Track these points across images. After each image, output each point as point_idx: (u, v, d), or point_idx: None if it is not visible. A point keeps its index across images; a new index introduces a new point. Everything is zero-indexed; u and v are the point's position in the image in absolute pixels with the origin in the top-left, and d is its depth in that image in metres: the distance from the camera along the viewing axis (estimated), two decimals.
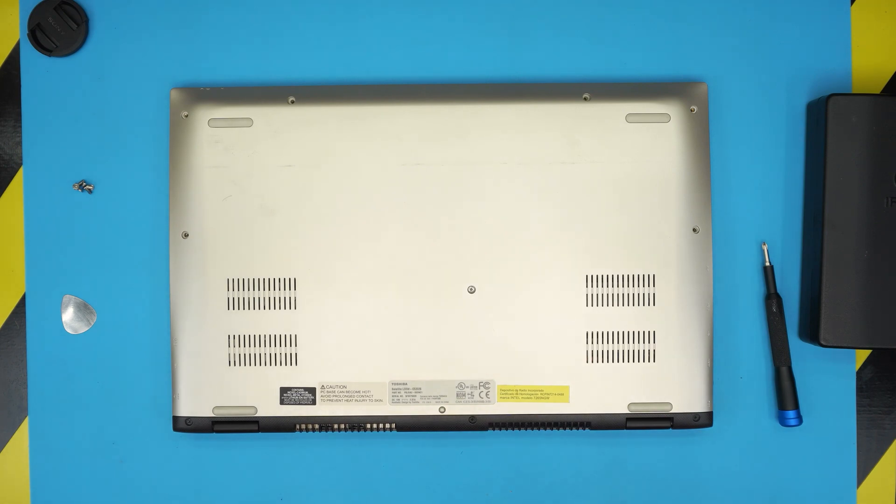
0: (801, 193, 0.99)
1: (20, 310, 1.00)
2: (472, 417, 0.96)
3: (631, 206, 0.96)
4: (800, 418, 0.97)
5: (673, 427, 0.96)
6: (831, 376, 0.99)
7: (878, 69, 1.00)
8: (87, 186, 0.99)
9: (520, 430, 0.96)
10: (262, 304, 0.96)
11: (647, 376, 0.96)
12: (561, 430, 0.97)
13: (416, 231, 0.96)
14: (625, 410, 0.96)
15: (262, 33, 0.99)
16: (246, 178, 0.96)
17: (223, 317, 0.96)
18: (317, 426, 0.96)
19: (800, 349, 0.99)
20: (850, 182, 0.94)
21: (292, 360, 0.96)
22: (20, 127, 1.00)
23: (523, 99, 0.96)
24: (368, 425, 0.96)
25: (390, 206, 0.96)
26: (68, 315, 0.99)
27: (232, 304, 0.96)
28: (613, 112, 0.96)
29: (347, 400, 0.96)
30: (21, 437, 1.00)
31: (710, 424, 0.96)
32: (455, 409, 0.96)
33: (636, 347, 0.96)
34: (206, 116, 0.96)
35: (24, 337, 1.00)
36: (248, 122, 0.96)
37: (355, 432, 0.97)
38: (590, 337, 0.96)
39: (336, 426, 0.96)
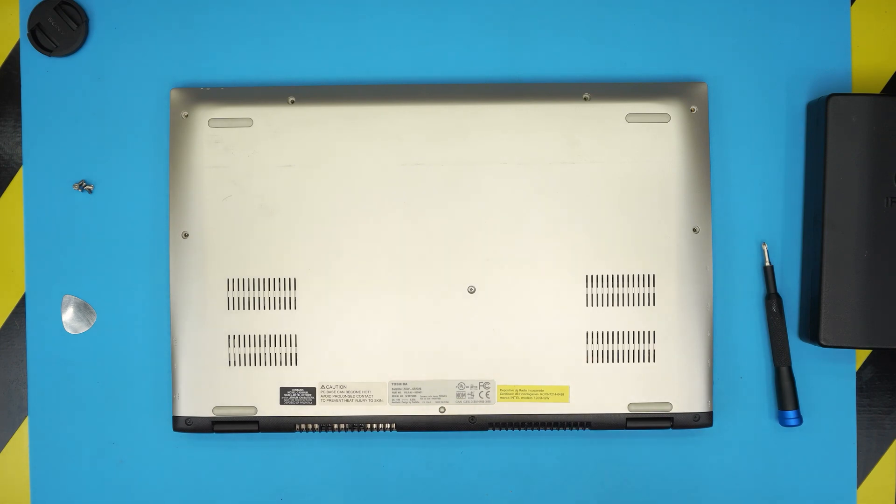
0: (801, 193, 0.99)
1: (20, 310, 1.00)
2: (472, 417, 0.96)
3: (631, 206, 0.96)
4: (800, 418, 0.97)
5: (673, 427, 0.96)
6: (831, 376, 0.99)
7: (878, 69, 1.00)
8: (87, 186, 0.99)
9: (520, 430, 0.96)
10: (262, 304, 0.96)
11: (647, 376, 0.96)
12: (561, 430, 0.97)
13: (416, 231, 0.96)
14: (625, 410, 0.96)
15: (262, 33, 0.99)
16: (246, 178, 0.96)
17: (223, 317, 0.96)
18: (317, 426, 0.96)
19: (800, 349, 0.99)
20: (850, 182, 0.94)
21: (292, 360, 0.96)
22: (20, 127, 1.00)
23: (523, 99, 0.96)
24: (368, 425, 0.96)
25: (390, 206, 0.96)
26: (68, 315, 0.99)
27: (232, 303, 0.96)
28: (613, 112, 0.96)
29: (347, 400, 0.96)
30: (21, 437, 1.00)
31: (710, 424, 0.96)
32: (455, 409, 0.96)
33: (636, 347, 0.96)
34: (206, 116, 0.96)
35: (24, 337, 1.00)
36: (248, 122, 0.96)
37: (355, 432, 0.97)
38: (590, 337, 0.96)
39: (336, 426, 0.96)
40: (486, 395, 0.96)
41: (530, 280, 0.96)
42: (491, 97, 0.96)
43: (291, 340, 0.96)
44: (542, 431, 0.98)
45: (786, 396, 0.97)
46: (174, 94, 0.97)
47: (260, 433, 0.97)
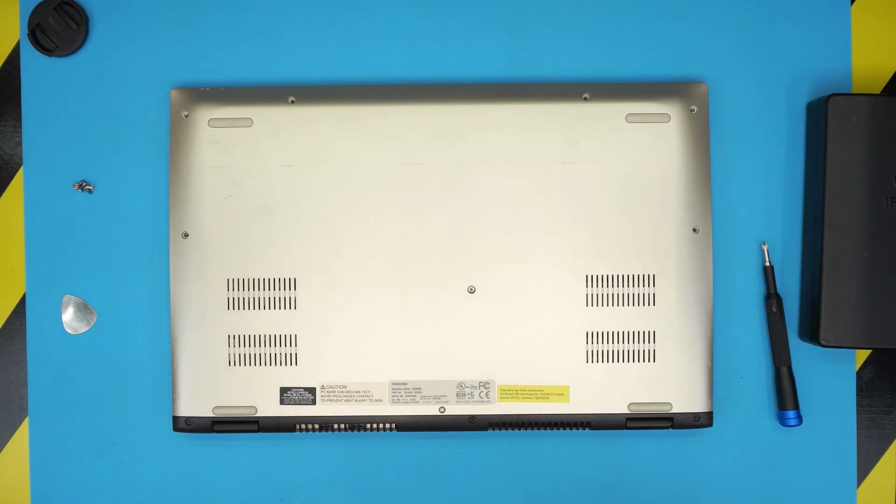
0: (801, 193, 0.99)
1: (20, 310, 1.00)
2: (472, 417, 0.96)
3: (631, 206, 0.96)
4: (800, 418, 0.97)
5: (673, 427, 0.96)
6: (831, 376, 0.99)
7: (878, 69, 1.00)
8: (87, 186, 0.99)
9: (520, 430, 0.96)
10: (262, 304, 0.96)
11: (647, 376, 0.96)
12: (561, 430, 0.97)
13: (416, 231, 0.96)
14: (625, 410, 0.96)
15: (262, 33, 0.99)
16: (246, 178, 0.96)
17: (223, 317, 0.96)
18: (317, 426, 0.96)
19: (800, 349, 0.99)
20: (850, 182, 0.94)
21: (292, 360, 0.96)
22: (20, 127, 1.00)
23: (523, 99, 0.96)
24: (368, 425, 0.96)
25: (390, 205, 0.96)
26: (68, 315, 0.99)
27: (232, 303, 0.96)
28: (613, 112, 0.96)
29: (347, 400, 0.96)
30: (21, 437, 1.00)
31: (710, 424, 0.96)
32: (455, 409, 0.96)
33: (636, 347, 0.96)
34: (206, 116, 0.96)
35: (24, 337, 1.00)
36: (248, 122, 0.96)
37: (355, 432, 0.97)
38: (590, 337, 0.96)
39: (336, 426, 0.96)
40: (486, 395, 0.96)
41: (530, 280, 0.96)
42: (491, 97, 0.96)
43: (291, 340, 0.96)
44: (542, 431, 0.98)
45: (786, 396, 0.97)
46: (174, 94, 0.97)
47: (260, 433, 0.97)
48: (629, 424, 0.96)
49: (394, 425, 0.96)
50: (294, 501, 0.99)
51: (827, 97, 0.94)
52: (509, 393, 0.96)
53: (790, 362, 0.98)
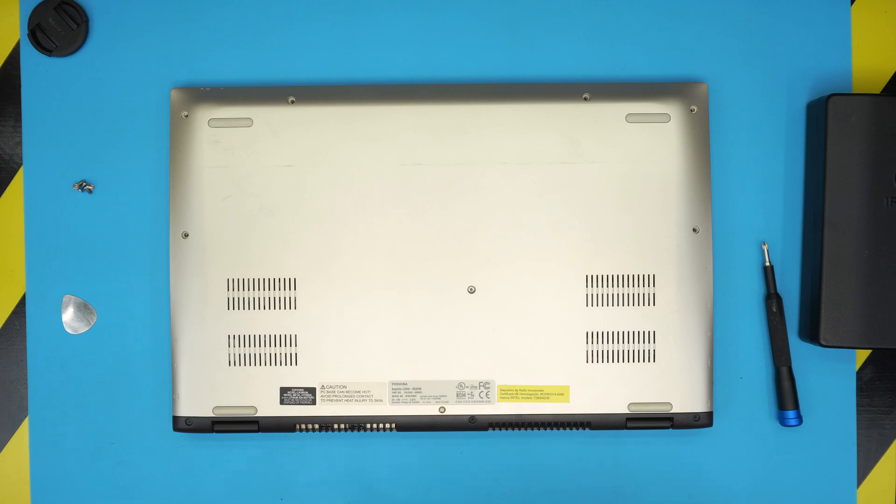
0: (801, 193, 0.99)
1: (20, 310, 1.00)
2: (472, 417, 0.96)
3: (631, 206, 0.96)
4: (800, 418, 0.97)
5: (673, 427, 0.96)
6: (831, 376, 0.99)
7: (878, 69, 1.00)
8: (87, 186, 0.99)
9: (520, 430, 0.96)
10: (262, 304, 0.96)
11: (647, 376, 0.96)
12: (561, 430, 0.97)
13: (416, 231, 0.96)
14: (625, 410, 0.96)
15: (262, 33, 0.99)
16: (246, 178, 0.96)
17: (223, 317, 0.96)
18: (317, 426, 0.96)
19: (800, 349, 0.99)
20: (850, 182, 0.94)
21: (292, 360, 0.96)
22: (20, 127, 1.00)
23: (523, 99, 0.96)
24: (368, 425, 0.96)
25: (390, 205, 0.96)
26: (68, 315, 0.99)
27: (232, 304, 0.96)
28: (613, 112, 0.96)
29: (347, 400, 0.96)
30: (21, 437, 1.00)
31: (710, 424, 0.96)
32: (455, 409, 0.96)
33: (636, 347, 0.96)
34: (206, 116, 0.96)
35: (24, 337, 1.00)
36: (248, 122, 0.96)
37: (355, 432, 0.97)
38: (590, 337, 0.96)
39: (336, 426, 0.96)
40: (486, 395, 0.96)
41: (530, 280, 0.96)
42: (491, 97, 0.96)
43: (291, 340, 0.96)
44: (542, 431, 0.98)
45: (786, 396, 0.97)
46: (174, 94, 0.97)
47: (260, 433, 0.97)
48: (629, 424, 0.96)
49: (394, 425, 0.96)
50: (294, 501, 0.99)
51: (827, 97, 0.94)
52: (509, 393, 0.96)
53: (790, 362, 0.98)
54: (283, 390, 0.96)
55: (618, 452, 0.99)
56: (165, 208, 0.98)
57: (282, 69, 0.99)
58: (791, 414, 0.97)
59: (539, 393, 0.96)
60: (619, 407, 0.96)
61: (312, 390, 0.96)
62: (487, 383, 0.96)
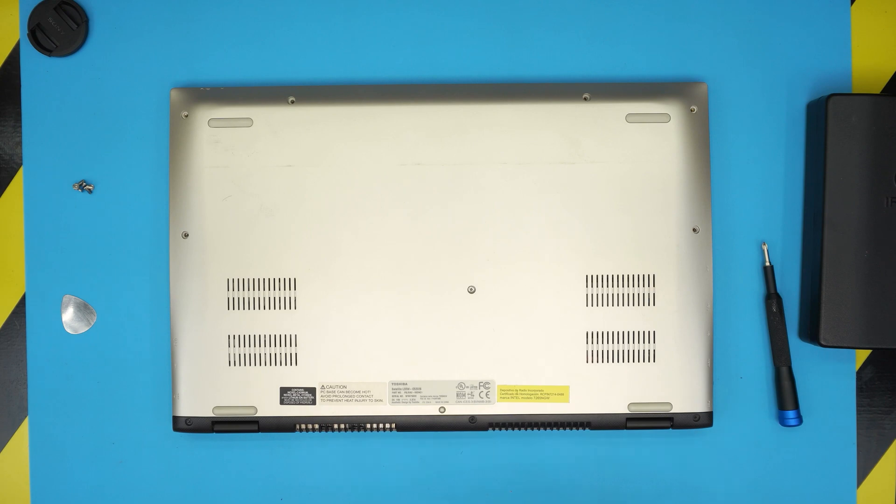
0: (801, 193, 0.99)
1: (20, 310, 1.00)
2: (472, 417, 0.96)
3: (631, 206, 0.96)
4: (800, 418, 0.97)
5: (673, 427, 0.96)
6: (831, 376, 0.99)
7: (878, 69, 1.00)
8: (87, 186, 0.99)
9: (520, 430, 0.96)
10: (262, 304, 0.96)
11: (647, 376, 0.96)
12: (561, 430, 0.97)
13: (416, 231, 0.96)
14: (625, 410, 0.96)
15: (262, 33, 0.99)
16: (246, 178, 0.96)
17: (223, 317, 0.96)
18: (317, 426, 0.96)
19: (800, 349, 0.99)
20: (850, 182, 0.94)
21: (292, 360, 0.96)
22: (20, 127, 1.00)
23: (523, 99, 0.96)
24: (368, 425, 0.96)
25: (390, 205, 0.96)
26: (68, 315, 0.99)
27: (232, 304, 0.96)
28: (613, 112, 0.96)
29: (347, 400, 0.96)
30: (21, 437, 1.00)
31: (710, 424, 0.96)
32: (455, 409, 0.96)
33: (636, 347, 0.96)
34: (206, 116, 0.96)
35: (24, 337, 1.00)
36: (248, 122, 0.96)
37: (355, 432, 0.97)
38: (590, 337, 0.96)
39: (336, 426, 0.96)
40: (486, 395, 0.96)
41: (530, 280, 0.96)
42: (491, 97, 0.96)
43: (291, 340, 0.96)
44: (542, 431, 0.98)
45: (786, 396, 0.97)
46: (174, 94, 0.97)
47: (260, 433, 0.97)
48: (629, 424, 0.96)
49: (394, 425, 0.96)
50: (294, 501, 0.99)
51: (827, 97, 0.94)
52: (509, 393, 0.96)
53: (790, 362, 0.98)
54: (283, 390, 0.96)
55: (618, 452, 0.99)
56: (165, 208, 0.98)
57: (282, 69, 0.99)
58: (791, 414, 0.97)
59: (539, 393, 0.96)
60: (619, 407, 0.96)
61: (312, 390, 0.96)
62: (487, 383, 0.96)
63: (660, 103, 0.96)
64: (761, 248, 0.99)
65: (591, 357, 0.96)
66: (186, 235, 0.96)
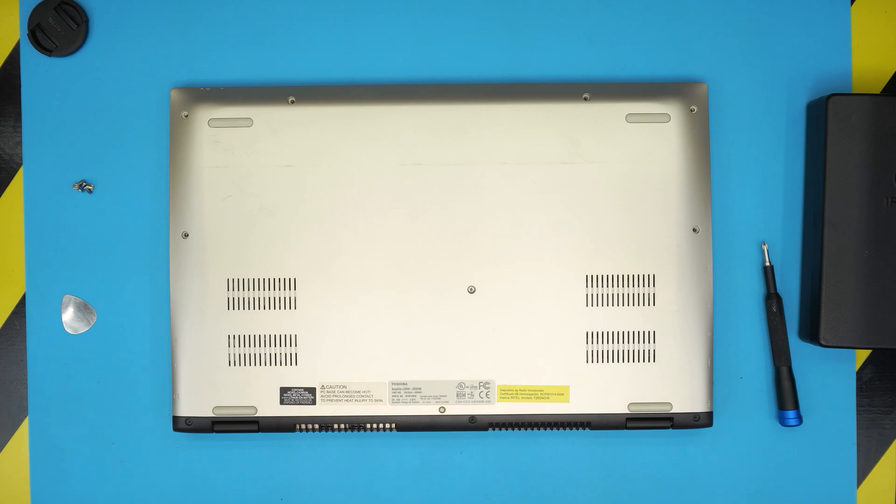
0: (801, 193, 0.99)
1: (20, 310, 1.00)
2: (472, 417, 0.96)
3: (631, 206, 0.96)
4: (800, 418, 0.97)
5: (673, 427, 0.96)
6: (831, 376, 0.99)
7: (878, 69, 1.00)
8: (87, 186, 0.99)
9: (520, 430, 0.96)
10: (262, 304, 0.96)
11: (647, 376, 0.96)
12: (561, 430, 0.97)
13: (416, 231, 0.96)
14: (625, 410, 0.96)
15: (262, 33, 0.99)
16: (246, 178, 0.96)
17: (223, 317, 0.96)
18: (317, 426, 0.96)
19: (800, 349, 0.99)
20: (850, 182, 0.94)
21: (292, 360, 0.96)
22: (20, 127, 1.00)
23: (523, 99, 0.96)
24: (368, 425, 0.96)
25: (390, 205, 0.96)
26: (68, 315, 0.99)
27: (232, 304, 0.96)
28: (613, 112, 0.96)
29: (347, 400, 0.96)
30: (21, 437, 1.00)
31: (710, 424, 0.96)
32: (455, 409, 0.96)
33: (636, 347, 0.96)
34: (206, 116, 0.96)
35: (24, 337, 1.00)
36: (248, 122, 0.96)
37: (355, 432, 0.97)
38: (590, 337, 0.96)
39: (336, 426, 0.96)
40: (486, 395, 0.96)
41: (530, 280, 0.96)
42: (491, 97, 0.96)
43: (291, 340, 0.96)
44: (542, 431, 0.98)
45: (786, 396, 0.97)
46: (174, 94, 0.97)
47: (260, 433, 0.97)
48: (629, 424, 0.96)
49: (394, 425, 0.96)
50: (294, 501, 0.99)
51: (827, 97, 0.94)
52: (509, 393, 0.96)
53: (790, 362, 0.98)
54: (283, 390, 0.96)
55: (618, 452, 0.99)
56: (165, 208, 0.98)
57: (282, 69, 0.99)
58: (791, 414, 0.97)
59: (539, 393, 0.96)
60: (619, 407, 0.96)
61: (312, 390, 0.96)
62: (487, 383, 0.96)
63: (660, 103, 0.96)
64: (761, 248, 0.99)
65: (591, 357, 0.96)
66: (186, 235, 0.96)
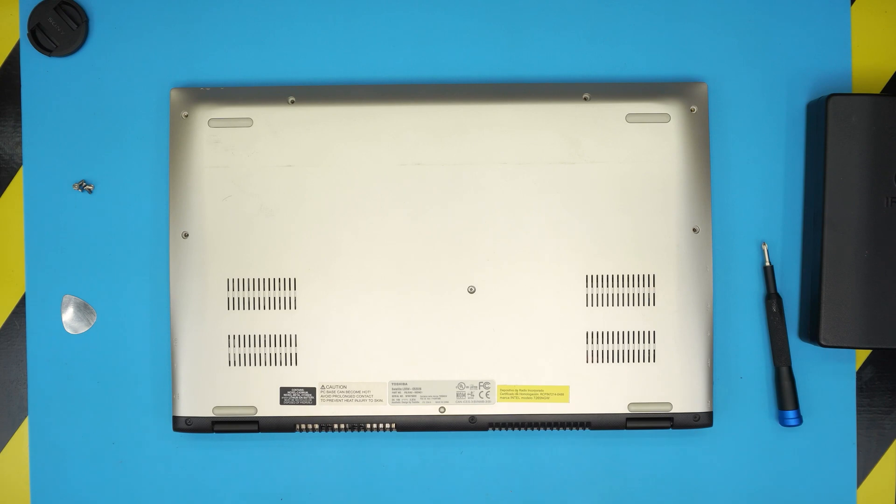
0: (801, 193, 0.99)
1: (20, 310, 1.00)
2: (472, 417, 0.96)
3: (631, 206, 0.96)
4: (800, 418, 0.97)
5: (673, 427, 0.96)
6: (831, 376, 0.99)
7: (878, 69, 1.00)
8: (87, 186, 0.99)
9: (520, 430, 0.96)
10: (262, 304, 0.96)
11: (647, 376, 0.96)
12: (561, 430, 0.97)
13: (416, 231, 0.96)
14: (625, 410, 0.96)
15: (262, 33, 0.99)
16: (246, 178, 0.96)
17: (223, 317, 0.96)
18: (317, 426, 0.96)
19: (800, 349, 0.99)
20: (850, 182, 0.94)
21: (292, 360, 0.96)
22: (20, 127, 1.00)
23: (523, 99, 0.96)
24: (368, 425, 0.96)
25: (390, 205, 0.96)
26: (68, 315, 0.99)
27: (232, 304, 0.96)
28: (613, 112, 0.96)
29: (347, 400, 0.96)
30: (21, 437, 1.00)
31: (710, 424, 0.96)
32: (455, 409, 0.96)
33: (636, 347, 0.96)
34: (206, 116, 0.96)
35: (24, 337, 1.00)
36: (248, 122, 0.96)
37: (355, 432, 0.97)
38: (590, 337, 0.96)
39: (336, 426, 0.96)
40: (486, 395, 0.96)
41: (530, 280, 0.96)
42: (491, 97, 0.96)
43: (291, 340, 0.96)
44: (542, 431, 0.98)
45: (786, 396, 0.97)
46: (174, 94, 0.97)
47: (260, 433, 0.97)
48: (629, 424, 0.96)
49: (394, 425, 0.96)
50: (294, 501, 0.99)
51: (827, 97, 0.94)
52: (509, 393, 0.96)
53: (790, 362, 0.98)
54: (283, 390, 0.96)
55: (618, 452, 0.99)
56: (165, 208, 0.98)
57: (282, 69, 0.99)
58: (791, 414, 0.97)
59: (539, 393, 0.96)
60: (619, 407, 0.96)
61: (312, 390, 0.96)
62: (487, 383, 0.96)
63: (660, 103, 0.96)
64: (761, 248, 0.99)
65: (591, 357, 0.96)
66: (186, 235, 0.96)
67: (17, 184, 1.00)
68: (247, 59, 0.99)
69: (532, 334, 0.96)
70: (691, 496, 0.99)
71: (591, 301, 0.96)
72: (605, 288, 0.96)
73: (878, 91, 1.00)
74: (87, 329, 0.99)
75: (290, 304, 0.96)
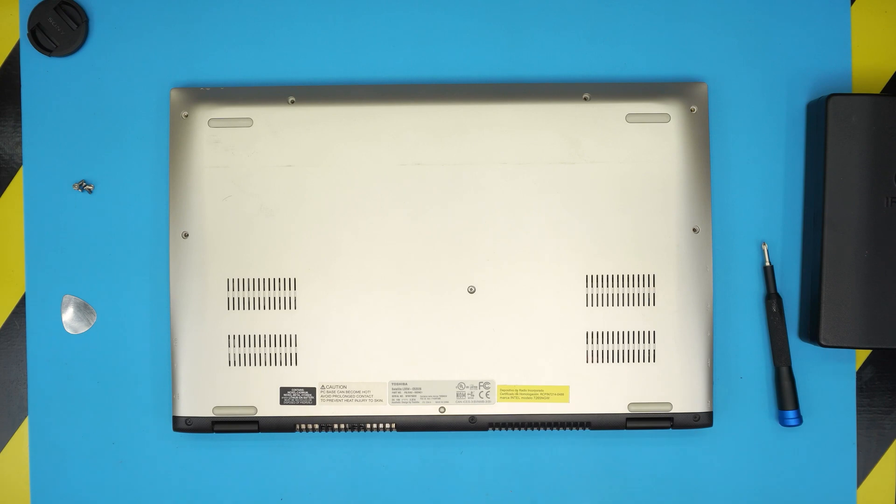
0: (801, 193, 0.99)
1: (20, 310, 1.00)
2: (472, 417, 0.96)
3: (631, 206, 0.96)
4: (800, 418, 0.97)
5: (673, 427, 0.96)
6: (831, 376, 0.99)
7: (878, 69, 1.00)
8: (87, 186, 0.99)
9: (520, 430, 0.96)
10: (262, 304, 0.96)
11: (647, 376, 0.96)
12: (561, 430, 0.97)
13: (416, 231, 0.96)
14: (625, 410, 0.96)
15: (262, 33, 0.99)
16: (246, 178, 0.96)
17: (223, 317, 0.96)
18: (317, 426, 0.96)
19: (800, 349, 0.99)
20: (850, 182, 0.94)
21: (292, 360, 0.96)
22: (20, 127, 1.00)
23: (523, 99, 0.96)
24: (368, 425, 0.96)
25: (390, 205, 0.96)
26: (68, 315, 0.99)
27: (232, 304, 0.96)
28: (613, 112, 0.96)
29: (347, 400, 0.96)
30: (21, 437, 1.00)
31: (710, 424, 0.96)
32: (455, 409, 0.96)
33: (636, 347, 0.96)
34: (206, 116, 0.96)
35: (24, 337, 1.00)
36: (248, 122, 0.96)
37: (355, 432, 0.97)
38: (590, 337, 0.96)
39: (336, 426, 0.96)
40: (486, 395, 0.96)
41: (530, 280, 0.96)
42: (491, 97, 0.96)
43: (291, 340, 0.96)
44: (542, 431, 0.98)
45: (786, 396, 0.97)
46: (174, 94, 0.97)
47: (260, 433, 0.97)
48: (629, 424, 0.96)
49: (394, 425, 0.96)
50: (294, 501, 0.99)
51: (827, 97, 0.94)
52: (509, 393, 0.96)
53: (790, 362, 0.98)
54: (283, 390, 0.96)
55: (618, 452, 0.99)
56: (165, 208, 0.98)
57: (282, 69, 0.99)
58: (791, 414, 0.97)
59: (539, 393, 0.96)
60: (619, 407, 0.96)
61: (312, 390, 0.96)
62: (487, 383, 0.96)
63: (660, 103, 0.96)
64: (761, 248, 0.99)
65: (591, 357, 0.96)
66: (186, 235, 0.96)
67: (17, 184, 1.00)
68: (247, 59, 0.99)
69: (532, 334, 0.96)
70: (691, 496, 0.99)
71: (591, 301, 0.96)
72: (605, 288, 0.96)
73: (878, 91, 1.00)
74: (87, 329, 0.99)
75: (290, 304, 0.96)
